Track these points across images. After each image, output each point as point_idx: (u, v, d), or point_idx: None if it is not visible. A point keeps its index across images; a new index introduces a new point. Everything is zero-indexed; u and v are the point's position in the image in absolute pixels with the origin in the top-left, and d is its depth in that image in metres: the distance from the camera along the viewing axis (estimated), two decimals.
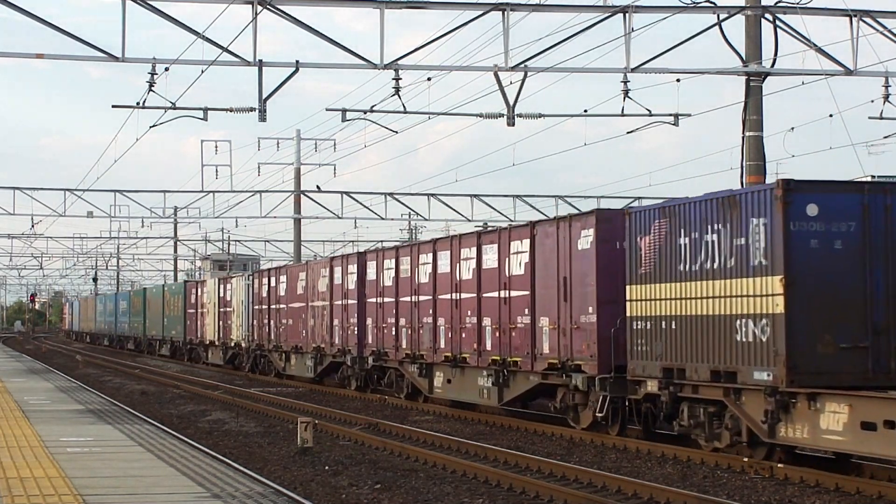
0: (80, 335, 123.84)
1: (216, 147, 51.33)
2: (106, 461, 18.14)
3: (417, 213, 63.27)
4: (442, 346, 31.30)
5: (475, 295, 29.39)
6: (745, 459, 20.01)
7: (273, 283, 47.16)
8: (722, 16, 27.30)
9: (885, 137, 35.77)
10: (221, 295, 56.44)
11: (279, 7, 26.57)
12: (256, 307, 49.42)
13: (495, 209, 57.45)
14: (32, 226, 65.71)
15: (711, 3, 27.39)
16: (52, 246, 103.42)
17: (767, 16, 27.23)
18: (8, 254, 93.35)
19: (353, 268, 37.87)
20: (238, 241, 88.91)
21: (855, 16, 27.28)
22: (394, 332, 34.56)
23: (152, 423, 24.98)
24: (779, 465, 19.25)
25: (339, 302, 38.85)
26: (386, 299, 35.24)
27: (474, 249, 29.51)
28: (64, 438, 21.34)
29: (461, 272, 30.35)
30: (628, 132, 45.28)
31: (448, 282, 31.01)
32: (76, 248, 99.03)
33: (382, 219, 57.91)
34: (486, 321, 28.92)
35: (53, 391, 35.24)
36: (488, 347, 28.80)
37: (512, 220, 53.61)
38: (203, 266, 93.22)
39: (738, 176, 27.46)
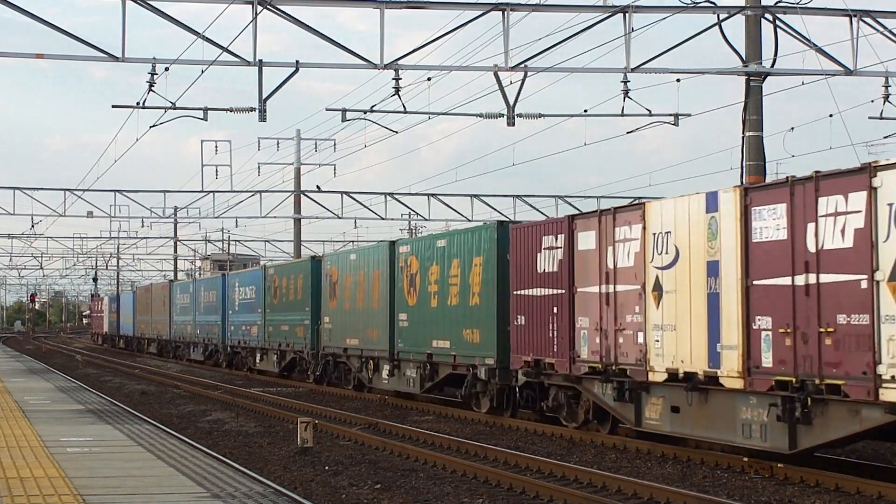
0: (135, 342, 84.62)
1: (216, 147, 51.29)
2: (106, 461, 18.14)
3: (417, 213, 63.32)
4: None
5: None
6: (745, 459, 20.01)
7: None
8: (722, 16, 27.30)
9: (885, 137, 35.83)
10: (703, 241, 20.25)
11: (279, 7, 26.57)
12: None
13: (495, 209, 57.45)
14: (32, 226, 65.69)
15: (711, 3, 27.39)
16: (52, 246, 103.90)
17: (767, 16, 27.23)
18: (8, 254, 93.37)
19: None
20: (238, 241, 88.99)
21: (855, 16, 27.28)
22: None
23: (152, 423, 24.98)
24: (779, 465, 19.25)
25: None
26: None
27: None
28: (64, 438, 21.34)
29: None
30: (628, 132, 45.28)
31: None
32: (76, 248, 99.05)
33: (382, 219, 57.89)
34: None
35: (53, 391, 35.24)
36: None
37: (512, 220, 53.47)
38: (203, 266, 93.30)
39: (738, 176, 27.49)
